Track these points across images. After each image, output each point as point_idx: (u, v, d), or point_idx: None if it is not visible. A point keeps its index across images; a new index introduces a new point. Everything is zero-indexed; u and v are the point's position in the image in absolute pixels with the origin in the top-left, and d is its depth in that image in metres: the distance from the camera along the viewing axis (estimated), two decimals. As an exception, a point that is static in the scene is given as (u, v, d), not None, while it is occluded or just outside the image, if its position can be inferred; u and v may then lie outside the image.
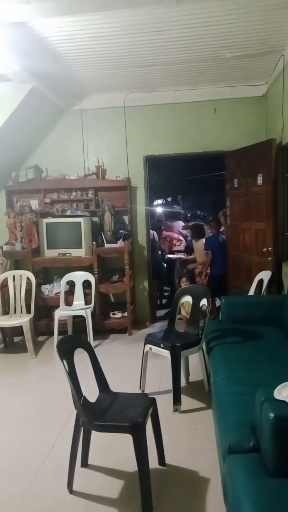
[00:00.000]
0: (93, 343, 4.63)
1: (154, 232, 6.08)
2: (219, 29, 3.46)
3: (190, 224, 6.50)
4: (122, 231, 5.24)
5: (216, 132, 5.24)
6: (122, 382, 3.57)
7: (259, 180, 4.54)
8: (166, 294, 6.61)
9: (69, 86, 4.76)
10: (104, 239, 5.14)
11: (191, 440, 2.80)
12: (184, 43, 3.72)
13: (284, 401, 1.75)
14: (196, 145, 5.30)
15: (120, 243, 5.07)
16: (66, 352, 2.26)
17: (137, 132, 5.33)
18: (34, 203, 5.32)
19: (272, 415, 1.67)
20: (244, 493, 1.62)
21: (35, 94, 4.54)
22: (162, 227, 6.84)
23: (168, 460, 2.52)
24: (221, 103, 5.19)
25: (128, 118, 5.30)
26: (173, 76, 4.63)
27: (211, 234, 5.71)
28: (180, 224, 7.42)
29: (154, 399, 2.41)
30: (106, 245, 5.11)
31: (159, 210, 10.38)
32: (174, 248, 6.56)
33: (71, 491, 2.30)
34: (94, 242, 5.03)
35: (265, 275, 4.39)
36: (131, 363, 4.04)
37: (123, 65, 4.19)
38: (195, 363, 3.60)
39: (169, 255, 6.39)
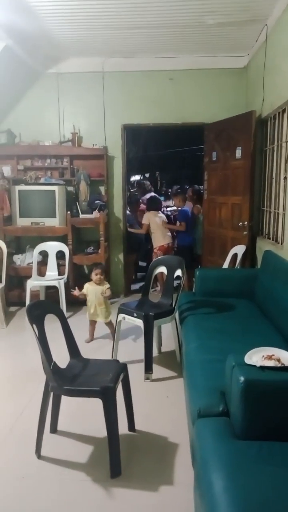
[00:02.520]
0: (66, 314, 4.55)
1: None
2: (203, -8, 3.35)
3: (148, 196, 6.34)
4: (98, 201, 5.13)
5: (196, 104, 5.15)
6: (95, 351, 3.59)
7: (238, 153, 4.49)
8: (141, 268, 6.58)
9: (45, 47, 4.54)
10: (79, 209, 5.03)
11: (162, 407, 2.82)
12: (166, 5, 3.56)
13: (255, 366, 1.75)
14: (175, 116, 5.19)
15: (95, 214, 4.97)
16: (36, 317, 2.20)
17: (116, 99, 5.17)
18: (7, 170, 5.12)
19: (242, 378, 1.68)
20: (212, 455, 1.63)
21: (8, 54, 4.32)
22: (140, 200, 6.72)
23: (138, 426, 2.53)
24: (202, 73, 5.08)
25: (107, 84, 5.13)
26: (153, 41, 4.48)
27: (181, 207, 5.68)
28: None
29: (125, 365, 2.39)
30: (81, 216, 5.01)
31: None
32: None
33: (39, 456, 2.28)
34: (68, 212, 4.91)
35: (239, 250, 4.41)
36: (104, 334, 4.03)
37: (102, 26, 4.01)
38: (168, 335, 3.61)
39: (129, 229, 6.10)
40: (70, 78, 5.14)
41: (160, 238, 5.38)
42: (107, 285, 3.83)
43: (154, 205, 5.65)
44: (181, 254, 5.44)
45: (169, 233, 5.51)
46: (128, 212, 5.74)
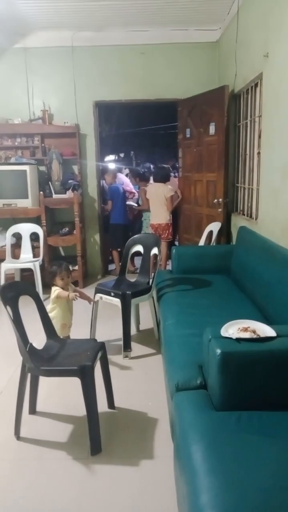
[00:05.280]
0: (42, 296, 4.50)
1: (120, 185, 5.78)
2: None
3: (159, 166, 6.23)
4: (71, 181, 5.03)
5: (169, 79, 5.06)
6: (72, 332, 3.53)
7: (211, 129, 4.46)
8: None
9: (9, 20, 4.33)
10: (52, 189, 4.92)
11: (141, 384, 2.83)
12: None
13: (231, 338, 1.76)
14: (148, 92, 5.09)
15: (69, 194, 4.87)
16: (10, 298, 2.15)
17: (86, 74, 5.02)
18: (-25, 150, 4.95)
19: (219, 351, 1.69)
20: (191, 426, 1.64)
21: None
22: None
23: (117, 404, 2.54)
24: (174, 47, 4.98)
25: (76, 59, 4.96)
26: (123, 14, 4.34)
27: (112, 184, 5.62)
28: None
29: (103, 343, 2.38)
30: (54, 196, 4.90)
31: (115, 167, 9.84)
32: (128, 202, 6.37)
33: (18, 437, 2.27)
34: (41, 192, 4.80)
35: (214, 227, 4.42)
36: (82, 316, 3.98)
37: (69, -4, 3.86)
38: (146, 314, 3.61)
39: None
40: (38, 53, 4.95)
41: (152, 215, 5.24)
42: (72, 286, 3.09)
43: (159, 175, 5.32)
44: (114, 233, 5.39)
45: (165, 211, 5.10)
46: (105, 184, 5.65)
